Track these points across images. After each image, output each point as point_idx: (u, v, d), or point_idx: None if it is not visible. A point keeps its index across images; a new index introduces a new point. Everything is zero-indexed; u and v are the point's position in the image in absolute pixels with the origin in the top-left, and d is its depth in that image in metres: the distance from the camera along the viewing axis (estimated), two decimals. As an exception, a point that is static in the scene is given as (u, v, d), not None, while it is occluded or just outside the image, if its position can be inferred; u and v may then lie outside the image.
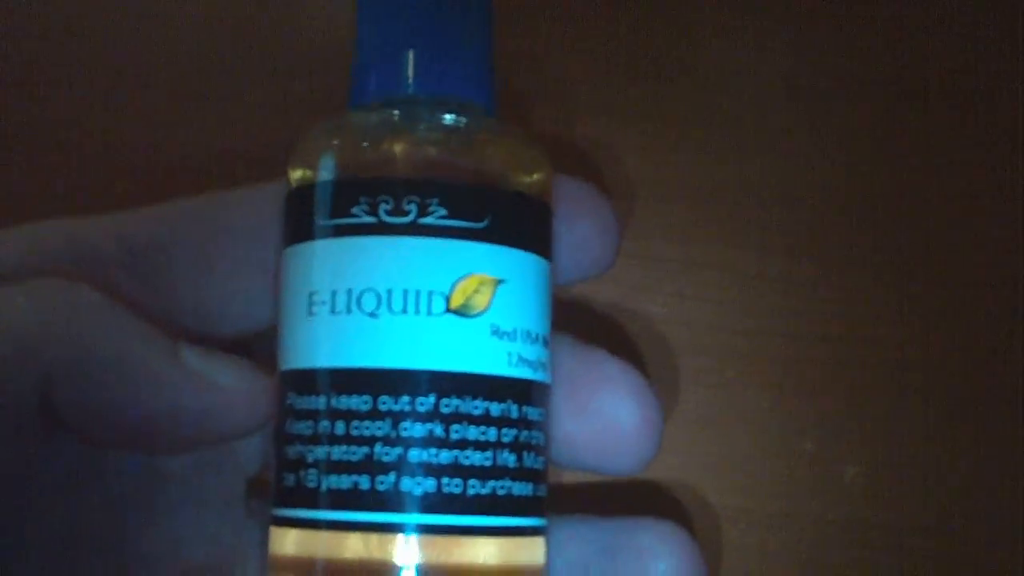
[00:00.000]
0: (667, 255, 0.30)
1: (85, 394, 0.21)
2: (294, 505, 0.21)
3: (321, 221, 0.21)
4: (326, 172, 0.22)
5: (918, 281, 0.30)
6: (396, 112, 0.22)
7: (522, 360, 0.22)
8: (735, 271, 0.30)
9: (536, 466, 0.22)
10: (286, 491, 0.21)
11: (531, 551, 0.22)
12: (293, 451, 0.21)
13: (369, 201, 0.21)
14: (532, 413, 0.22)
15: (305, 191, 0.22)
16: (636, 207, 0.30)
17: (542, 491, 0.22)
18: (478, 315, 0.21)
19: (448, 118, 0.22)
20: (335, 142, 0.22)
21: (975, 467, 0.29)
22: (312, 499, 0.21)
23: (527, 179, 0.22)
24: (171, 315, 0.23)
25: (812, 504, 0.29)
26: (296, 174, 0.22)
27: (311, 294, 0.21)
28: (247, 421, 0.22)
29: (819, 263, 0.30)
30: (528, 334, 0.22)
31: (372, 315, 0.21)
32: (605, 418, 0.23)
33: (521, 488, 0.21)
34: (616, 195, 0.29)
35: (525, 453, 0.21)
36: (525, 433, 0.21)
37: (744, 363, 0.29)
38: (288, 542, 0.21)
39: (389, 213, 0.21)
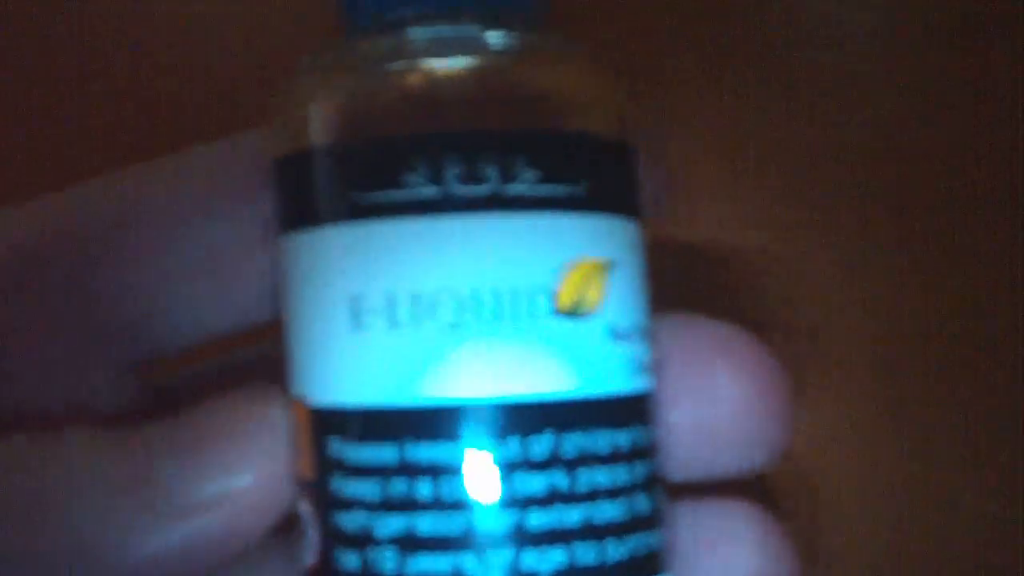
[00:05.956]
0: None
1: None
2: (360, 598, 0.15)
3: (353, 197, 0.15)
4: (343, 127, 0.16)
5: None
6: (422, 33, 0.16)
7: (642, 367, 0.16)
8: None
9: (666, 502, 0.16)
10: (344, 578, 0.15)
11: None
12: (352, 522, 0.15)
13: (429, 165, 0.15)
14: (655, 434, 0.16)
15: (313, 156, 0.16)
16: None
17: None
18: (592, 314, 0.15)
19: (495, 36, 0.16)
20: (349, 83, 0.16)
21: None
22: (390, 590, 0.15)
23: (614, 117, 0.17)
24: (92, 338, 0.17)
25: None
26: (290, 131, 0.16)
27: (354, 300, 0.15)
28: (270, 517, 0.16)
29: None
30: (643, 330, 0.16)
31: (453, 326, 0.15)
32: (724, 398, 0.18)
33: (658, 539, 0.16)
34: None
35: (657, 489, 0.16)
36: (655, 463, 0.16)
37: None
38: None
39: (461, 181, 0.15)
